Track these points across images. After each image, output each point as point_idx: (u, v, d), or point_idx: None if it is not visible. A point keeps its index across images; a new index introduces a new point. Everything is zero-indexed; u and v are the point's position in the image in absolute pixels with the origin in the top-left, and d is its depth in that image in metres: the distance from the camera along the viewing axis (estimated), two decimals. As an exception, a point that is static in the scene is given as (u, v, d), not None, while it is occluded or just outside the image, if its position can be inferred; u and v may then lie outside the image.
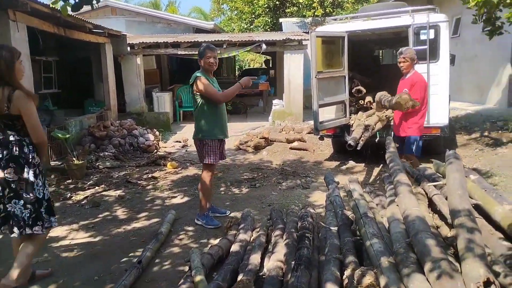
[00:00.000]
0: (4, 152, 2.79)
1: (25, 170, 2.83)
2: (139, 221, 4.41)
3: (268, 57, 21.75)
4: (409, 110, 4.59)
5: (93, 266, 3.40)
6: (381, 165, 6.27)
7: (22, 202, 2.82)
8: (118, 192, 5.38)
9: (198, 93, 4.00)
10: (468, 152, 6.65)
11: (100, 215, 4.61)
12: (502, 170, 5.32)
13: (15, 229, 2.82)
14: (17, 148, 2.81)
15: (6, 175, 2.77)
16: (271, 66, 20.19)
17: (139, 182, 5.83)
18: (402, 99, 4.56)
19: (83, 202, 5.08)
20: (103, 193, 5.43)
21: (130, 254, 3.61)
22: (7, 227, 2.85)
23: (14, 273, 2.80)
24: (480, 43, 11.14)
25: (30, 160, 2.87)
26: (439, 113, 5.86)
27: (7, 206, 2.81)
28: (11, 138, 2.81)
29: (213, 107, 4.06)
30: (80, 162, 6.18)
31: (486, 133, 7.60)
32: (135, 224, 4.33)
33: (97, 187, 5.65)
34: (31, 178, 2.85)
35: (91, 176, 6.19)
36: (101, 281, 3.15)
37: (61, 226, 4.24)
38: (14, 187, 2.79)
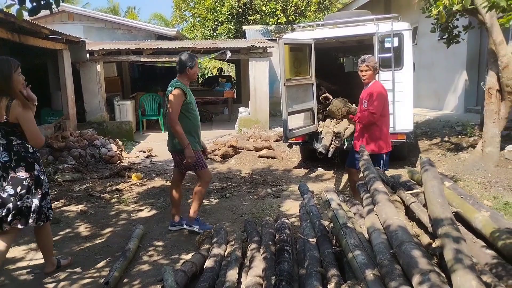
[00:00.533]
0: (12, 154, 3.03)
1: (36, 168, 3.11)
2: (104, 238, 4.16)
3: (219, 65, 21.68)
4: (364, 123, 4.25)
5: (56, 290, 3.16)
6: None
7: (31, 197, 3.09)
8: (80, 207, 5.08)
9: None
10: (431, 157, 6.79)
11: (61, 233, 4.32)
12: (465, 175, 5.46)
13: (30, 221, 3.10)
14: (22, 149, 3.06)
15: (18, 174, 3.02)
16: (222, 73, 20.19)
17: (102, 195, 5.54)
18: (333, 106, 4.29)
19: (42, 218, 4.75)
20: (63, 208, 5.11)
21: (96, 275, 3.40)
22: (16, 222, 3.06)
23: (49, 261, 3.38)
24: (436, 51, 11.58)
25: (37, 158, 3.17)
26: (404, 119, 5.97)
27: (17, 203, 3.02)
28: (14, 142, 3.06)
29: (193, 118, 4.01)
30: (38, 175, 5.79)
31: (446, 138, 7.84)
32: (99, 241, 4.09)
33: (56, 202, 5.29)
34: (41, 176, 3.16)
35: (50, 190, 5.82)
36: (65, 306, 2.93)
37: (18, 246, 3.94)
38: (26, 183, 3.04)
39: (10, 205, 3.00)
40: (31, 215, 3.08)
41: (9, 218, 3.00)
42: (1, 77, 2.93)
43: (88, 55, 9.71)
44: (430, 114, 10.91)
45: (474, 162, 5.69)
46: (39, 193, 3.13)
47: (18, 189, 3.02)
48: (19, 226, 3.08)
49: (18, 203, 3.02)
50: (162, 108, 11.31)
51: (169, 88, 3.93)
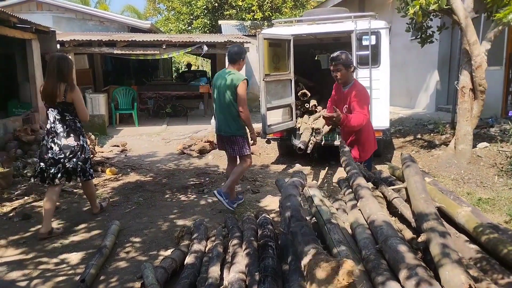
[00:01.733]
0: (64, 127, 4.02)
1: (81, 138, 4.13)
2: (78, 234, 4.02)
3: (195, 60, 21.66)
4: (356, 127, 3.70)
5: (28, 289, 3.02)
6: (327, 168, 6.36)
7: (76, 160, 4.07)
8: (52, 202, 4.89)
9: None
10: (405, 154, 6.94)
11: (32, 229, 4.14)
12: (439, 171, 5.59)
13: (73, 177, 4.14)
14: (72, 123, 4.07)
15: (68, 141, 4.02)
16: (190, 69, 20.27)
17: (75, 190, 5.36)
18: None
19: (11, 214, 4.55)
20: (34, 203, 4.91)
21: (71, 272, 3.27)
22: (63, 179, 4.06)
23: (94, 206, 4.47)
24: (408, 50, 11.83)
25: (83, 131, 4.20)
26: (381, 116, 6.04)
27: (66, 164, 4.01)
28: (67, 117, 4.04)
29: None
30: (5, 170, 5.57)
31: (419, 136, 8.02)
32: (73, 237, 3.95)
33: (26, 197, 5.10)
34: (85, 144, 4.16)
35: (19, 185, 5.59)
36: (38, 305, 2.80)
37: (-15, 244, 3.75)
38: (73, 149, 4.04)
39: (60, 165, 3.99)
40: (77, 174, 4.13)
41: (59, 175, 3.99)
42: (66, 70, 3.94)
43: (58, 46, 9.37)
44: (402, 112, 11.15)
45: (447, 159, 5.83)
46: (83, 157, 4.13)
47: (68, 153, 4.01)
48: (66, 182, 4.18)
49: (67, 164, 4.01)
50: (136, 102, 11.08)
51: (233, 80, 4.28)
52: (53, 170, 3.97)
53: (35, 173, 4.11)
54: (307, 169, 6.30)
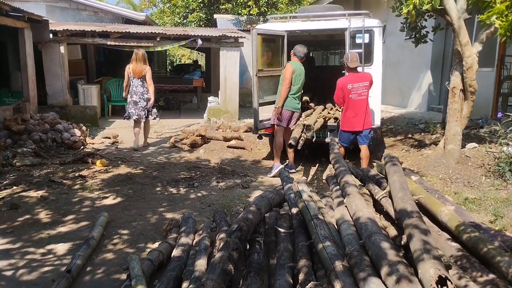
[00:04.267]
0: (141, 88, 7.12)
1: (149, 94, 7.18)
2: (66, 225, 4.02)
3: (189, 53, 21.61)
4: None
5: (14, 278, 3.02)
6: (318, 165, 6.39)
7: (147, 105, 7.21)
8: (40, 193, 4.87)
9: None
10: (396, 153, 6.99)
11: (20, 219, 4.13)
12: (427, 171, 5.65)
13: (150, 117, 7.36)
14: (145, 89, 7.16)
15: (145, 96, 7.17)
16: (196, 65, 20.39)
17: (64, 181, 5.34)
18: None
19: (-1, 204, 4.53)
20: (22, 193, 4.88)
21: (57, 262, 3.27)
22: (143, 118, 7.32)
23: (145, 139, 7.58)
24: (402, 50, 11.88)
25: (149, 92, 7.24)
26: (373, 115, 6.07)
27: (146, 107, 7.23)
28: (144, 84, 7.12)
29: None
30: (-6, 159, 5.55)
31: (410, 135, 8.07)
32: (61, 228, 3.94)
33: (15, 187, 5.07)
34: (151, 97, 7.26)
35: (8, 175, 5.55)
36: (24, 294, 2.81)
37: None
38: (145, 100, 7.29)
39: (145, 109, 7.21)
40: (146, 114, 7.23)
41: (144, 115, 7.23)
42: (146, 58, 7.15)
43: (51, 36, 9.29)
44: (395, 111, 11.21)
45: (436, 158, 5.88)
46: (151, 103, 7.25)
47: (143, 101, 7.13)
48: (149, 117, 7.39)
49: (146, 107, 7.20)
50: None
51: (304, 70, 5.80)
52: (142, 113, 7.16)
53: (128, 115, 7.23)
54: (297, 165, 6.32)
